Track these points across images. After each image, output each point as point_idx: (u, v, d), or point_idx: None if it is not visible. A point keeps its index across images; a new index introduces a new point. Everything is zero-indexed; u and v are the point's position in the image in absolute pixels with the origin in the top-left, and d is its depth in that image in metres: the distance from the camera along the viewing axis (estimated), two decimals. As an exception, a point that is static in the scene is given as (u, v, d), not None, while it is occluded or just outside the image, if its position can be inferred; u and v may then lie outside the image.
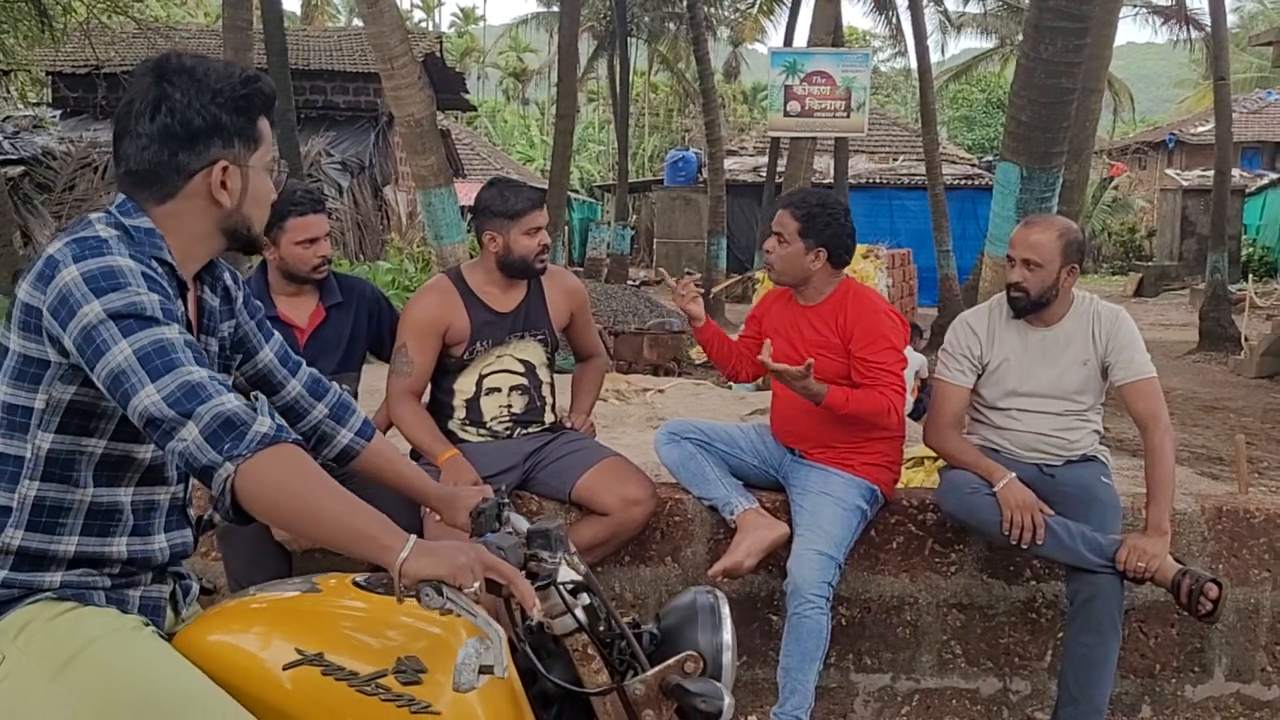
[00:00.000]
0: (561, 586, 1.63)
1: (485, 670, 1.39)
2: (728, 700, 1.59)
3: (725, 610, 1.75)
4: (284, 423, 1.56)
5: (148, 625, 1.67)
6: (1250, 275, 19.87)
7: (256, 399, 1.58)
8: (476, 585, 1.42)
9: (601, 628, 1.67)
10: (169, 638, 1.67)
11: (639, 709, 1.64)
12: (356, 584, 1.68)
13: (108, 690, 1.53)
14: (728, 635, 1.71)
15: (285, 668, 1.56)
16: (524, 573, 1.57)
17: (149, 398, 1.48)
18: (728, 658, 1.70)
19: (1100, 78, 8.98)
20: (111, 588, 1.67)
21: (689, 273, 3.51)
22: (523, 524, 1.83)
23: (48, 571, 1.63)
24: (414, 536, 1.47)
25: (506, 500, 1.89)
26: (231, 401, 1.50)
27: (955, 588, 3.45)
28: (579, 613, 1.64)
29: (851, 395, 3.07)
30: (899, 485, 3.45)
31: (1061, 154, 5.15)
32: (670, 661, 1.64)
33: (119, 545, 1.67)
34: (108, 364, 1.50)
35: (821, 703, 3.28)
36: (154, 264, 1.61)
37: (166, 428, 1.49)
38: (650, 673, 1.64)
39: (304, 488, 1.50)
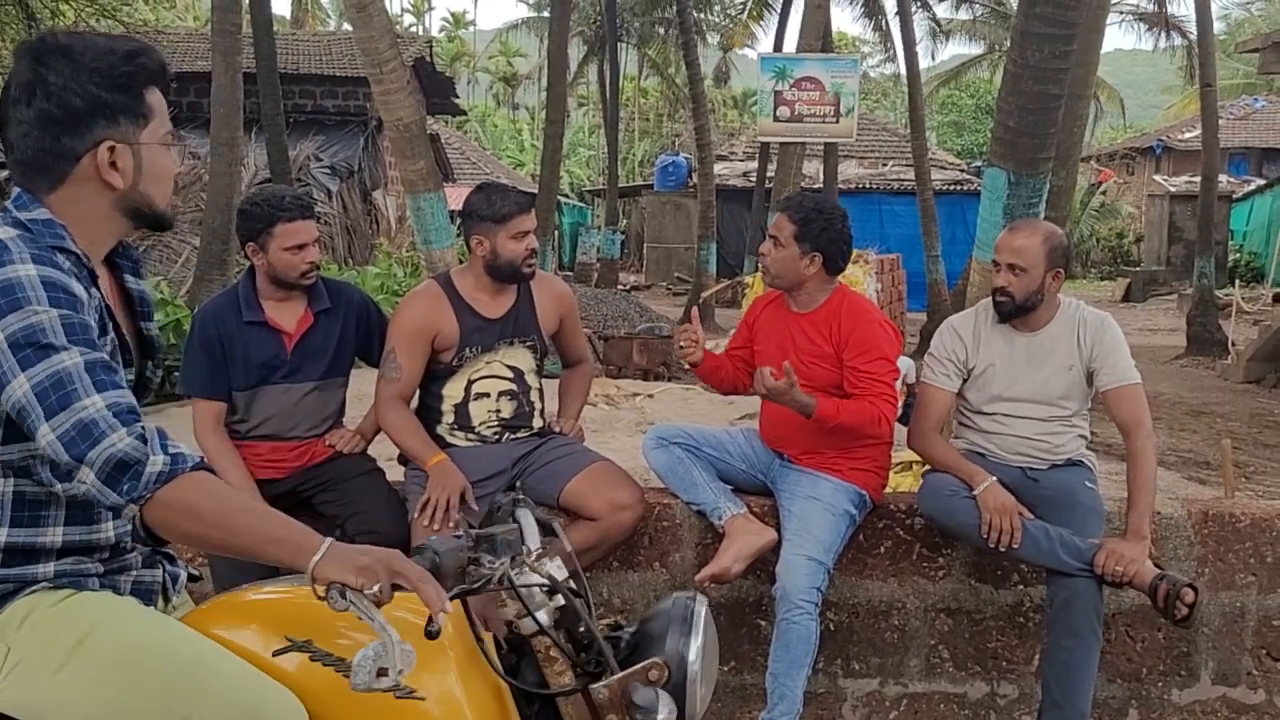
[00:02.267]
0: (528, 589, 1.65)
1: (383, 673, 1.41)
2: (662, 715, 1.63)
3: (700, 617, 1.74)
4: (180, 449, 1.55)
5: (147, 606, 1.70)
6: (1237, 280, 19.97)
7: (145, 429, 1.53)
8: (377, 588, 1.44)
9: (582, 629, 1.70)
10: None
11: (603, 713, 1.66)
12: None
13: (123, 666, 1.55)
14: (696, 642, 1.70)
15: (275, 654, 1.60)
16: (466, 574, 1.61)
17: (45, 437, 1.49)
18: (693, 666, 1.69)
19: (1087, 84, 9.06)
20: (104, 574, 1.68)
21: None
22: (529, 522, 1.85)
23: (39, 563, 1.63)
24: (330, 540, 1.50)
25: (520, 496, 1.92)
26: (123, 440, 1.49)
27: (943, 592, 3.46)
28: (542, 615, 1.66)
29: (842, 406, 3.07)
30: (887, 490, 3.46)
31: (1049, 159, 5.17)
32: (635, 668, 1.65)
33: (106, 530, 1.69)
34: (9, 397, 1.51)
35: (810, 708, 3.28)
36: (58, 257, 1.58)
37: (64, 470, 1.50)
38: (614, 678, 1.66)
39: (212, 513, 1.53)
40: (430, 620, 1.45)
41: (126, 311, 1.78)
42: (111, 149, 1.62)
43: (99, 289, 1.65)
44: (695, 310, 3.51)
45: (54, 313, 1.52)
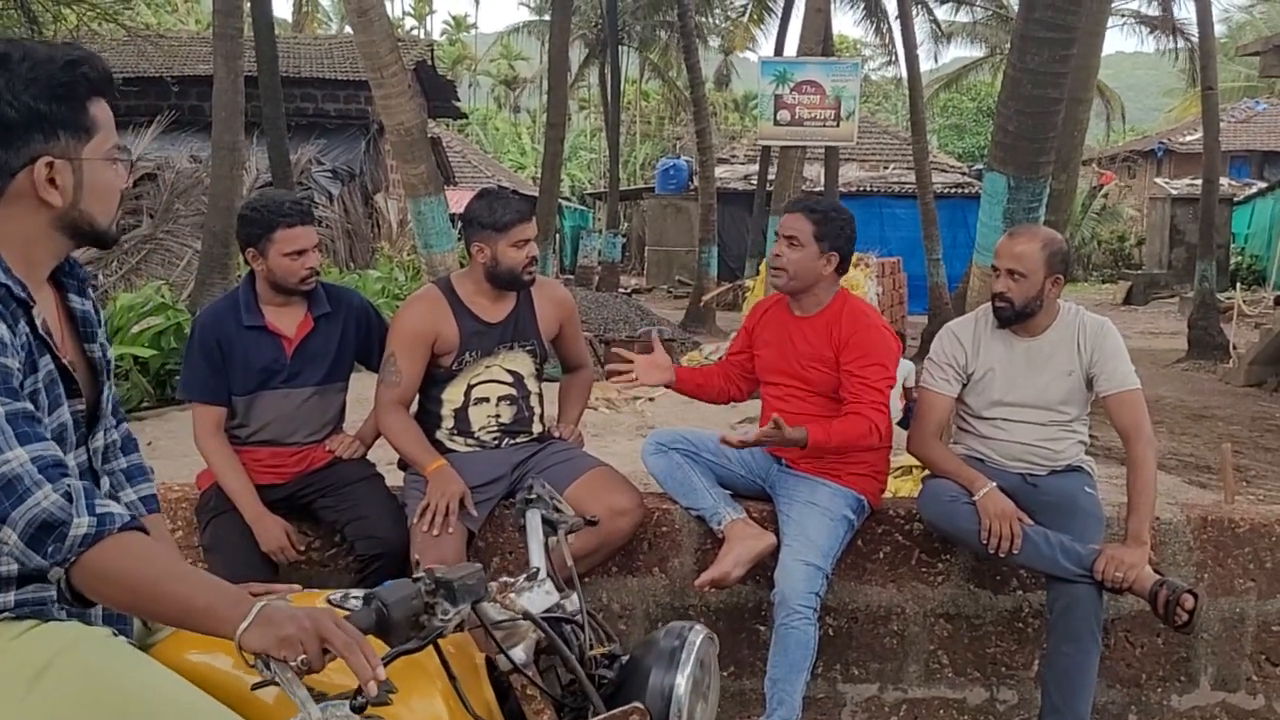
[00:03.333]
0: (506, 624, 1.60)
1: None
2: None
3: (693, 648, 1.66)
4: (109, 508, 1.47)
5: (118, 635, 1.64)
6: (1238, 284, 19.92)
7: (70, 487, 1.46)
8: (301, 659, 1.37)
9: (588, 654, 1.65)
10: (142, 649, 1.65)
11: None
12: (330, 602, 1.64)
13: (85, 698, 1.50)
14: (683, 676, 1.62)
15: (254, 687, 1.52)
16: (420, 624, 1.51)
17: None
18: (680, 703, 1.61)
19: (1088, 87, 9.04)
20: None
21: (640, 338, 3.47)
22: (535, 525, 1.82)
23: None
24: (259, 604, 1.42)
25: (533, 496, 1.90)
26: (49, 497, 1.43)
27: (942, 597, 3.46)
28: (519, 651, 1.61)
29: (833, 429, 3.06)
30: (886, 495, 3.46)
31: (1049, 163, 5.18)
32: (615, 712, 1.59)
33: None
34: None
35: (809, 713, 3.28)
36: None
37: None
38: None
39: (137, 578, 1.46)
40: (358, 692, 1.34)
41: (73, 333, 1.69)
42: (50, 165, 1.54)
43: (31, 320, 1.56)
44: (654, 334, 3.52)
45: None
